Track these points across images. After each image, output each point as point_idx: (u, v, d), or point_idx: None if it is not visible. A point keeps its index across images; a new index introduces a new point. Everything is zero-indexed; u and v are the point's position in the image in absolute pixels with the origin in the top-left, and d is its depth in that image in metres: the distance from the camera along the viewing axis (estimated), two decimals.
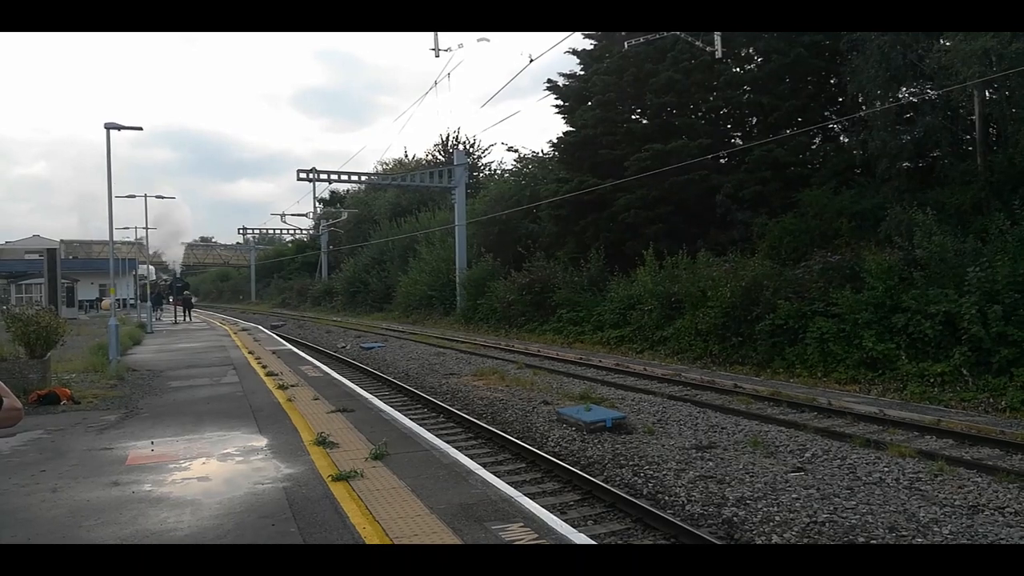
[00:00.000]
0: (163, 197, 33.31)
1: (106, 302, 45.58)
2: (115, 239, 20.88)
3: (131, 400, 12.04)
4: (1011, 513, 7.00)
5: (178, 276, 70.78)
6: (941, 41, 17.61)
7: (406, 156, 65.89)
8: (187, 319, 41.09)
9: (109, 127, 17.29)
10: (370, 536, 5.35)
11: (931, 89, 18.54)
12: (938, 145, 18.97)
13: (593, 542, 5.71)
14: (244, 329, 32.17)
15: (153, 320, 33.70)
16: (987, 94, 17.67)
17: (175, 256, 77.49)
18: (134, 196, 31.76)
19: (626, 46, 24.49)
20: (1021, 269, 12.64)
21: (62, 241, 63.59)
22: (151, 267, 68.95)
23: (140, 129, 18.69)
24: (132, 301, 50.03)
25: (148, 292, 40.76)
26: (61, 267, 33.56)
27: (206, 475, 7.19)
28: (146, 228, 33.54)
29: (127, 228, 36.73)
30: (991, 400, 11.74)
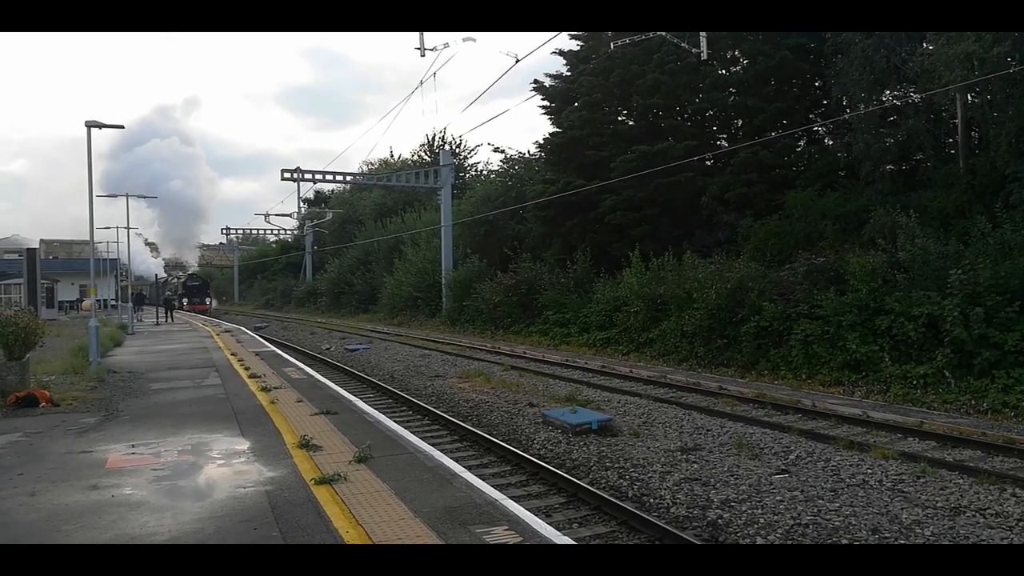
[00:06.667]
0: (145, 197, 32.96)
1: (87, 303, 44.98)
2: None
3: (111, 402, 11.88)
4: (992, 515, 7.04)
5: (193, 274, 64.91)
6: (924, 45, 17.76)
7: (392, 156, 65.60)
8: (169, 320, 40.68)
9: (90, 125, 17.04)
10: (353, 540, 5.29)
11: (914, 92, 18.71)
12: (921, 148, 19.14)
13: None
14: (227, 331, 31.90)
15: (134, 321, 33.35)
16: (969, 98, 17.85)
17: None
18: (115, 196, 31.43)
19: (612, 47, 24.50)
20: (1002, 272, 12.75)
21: (42, 241, 62.67)
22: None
23: (122, 127, 18.51)
24: (113, 302, 49.10)
25: (129, 292, 40.25)
26: (41, 267, 33.15)
27: (187, 479, 7.10)
28: (127, 228, 33.09)
29: (108, 228, 36.29)
30: (973, 402, 11.83)
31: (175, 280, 63.80)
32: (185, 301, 53.18)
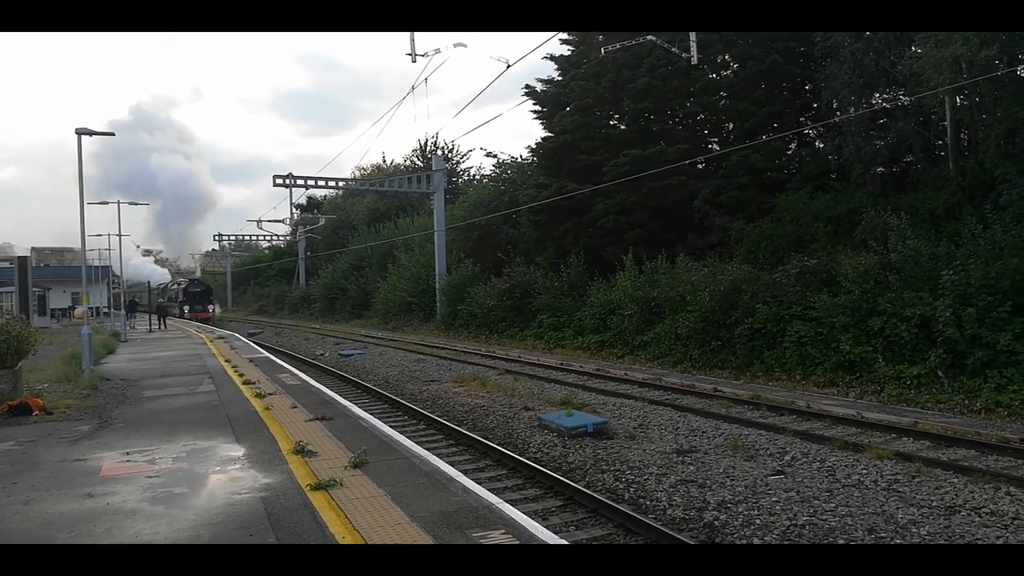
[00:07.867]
0: (137, 204, 32.83)
1: (79, 310, 44.64)
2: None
3: (105, 410, 11.82)
4: (987, 513, 7.08)
5: (195, 279, 62.35)
6: (913, 48, 17.88)
7: (384, 161, 65.61)
8: (162, 327, 40.51)
9: (80, 132, 16.94)
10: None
11: (903, 95, 18.82)
12: (911, 150, 19.24)
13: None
14: (220, 337, 31.79)
15: (127, 329, 33.19)
16: (958, 100, 17.96)
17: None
18: (106, 203, 31.33)
19: (603, 52, 24.56)
20: (994, 272, 12.82)
21: (33, 248, 62.31)
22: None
23: (112, 135, 18.44)
24: (105, 310, 48.74)
25: (122, 299, 40.06)
26: (32, 275, 32.98)
27: (182, 486, 7.07)
28: (119, 235, 32.96)
29: (99, 235, 36.17)
30: (966, 401, 11.89)
31: (175, 286, 62.21)
32: (186, 308, 50.97)
